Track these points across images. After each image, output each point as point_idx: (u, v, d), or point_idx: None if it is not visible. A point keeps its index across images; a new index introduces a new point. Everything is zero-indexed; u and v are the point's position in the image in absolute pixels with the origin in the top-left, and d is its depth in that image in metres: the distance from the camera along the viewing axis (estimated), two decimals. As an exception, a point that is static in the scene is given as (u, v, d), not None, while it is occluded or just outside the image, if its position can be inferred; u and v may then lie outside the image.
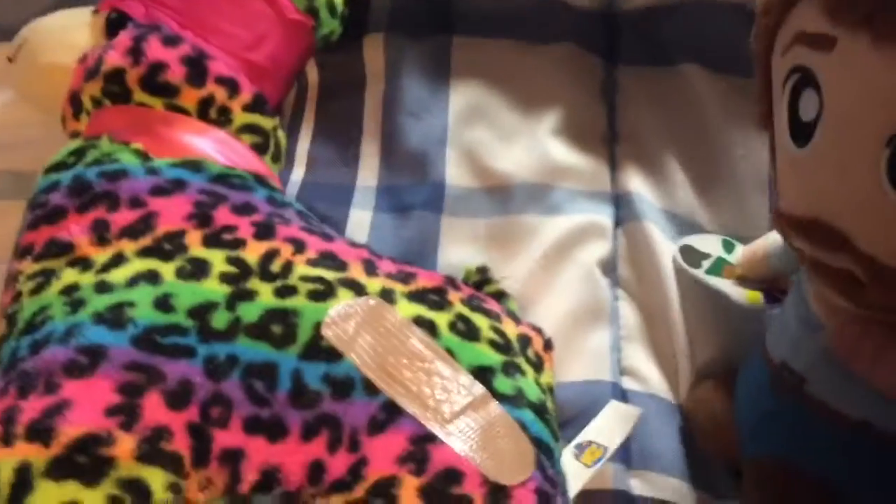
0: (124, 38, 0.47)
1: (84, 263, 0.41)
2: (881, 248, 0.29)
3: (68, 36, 0.51)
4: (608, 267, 0.51)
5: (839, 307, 0.34)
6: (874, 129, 0.27)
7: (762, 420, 0.39)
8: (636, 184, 0.53)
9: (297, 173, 0.54)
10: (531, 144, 0.53)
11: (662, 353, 0.49)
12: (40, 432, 0.34)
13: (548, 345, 0.45)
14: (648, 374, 0.48)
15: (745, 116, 0.53)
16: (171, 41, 0.47)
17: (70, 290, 0.39)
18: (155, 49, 0.47)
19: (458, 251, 0.51)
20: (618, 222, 0.53)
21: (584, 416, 0.45)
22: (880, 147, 0.27)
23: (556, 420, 0.42)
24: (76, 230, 0.42)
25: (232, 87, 0.48)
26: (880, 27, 0.26)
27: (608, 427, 0.43)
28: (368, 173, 0.54)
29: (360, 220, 0.52)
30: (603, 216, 0.52)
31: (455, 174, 0.53)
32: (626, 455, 0.45)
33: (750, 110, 0.52)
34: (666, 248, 0.50)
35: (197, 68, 0.47)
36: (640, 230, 0.51)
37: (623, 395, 0.47)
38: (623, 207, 0.53)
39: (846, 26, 0.27)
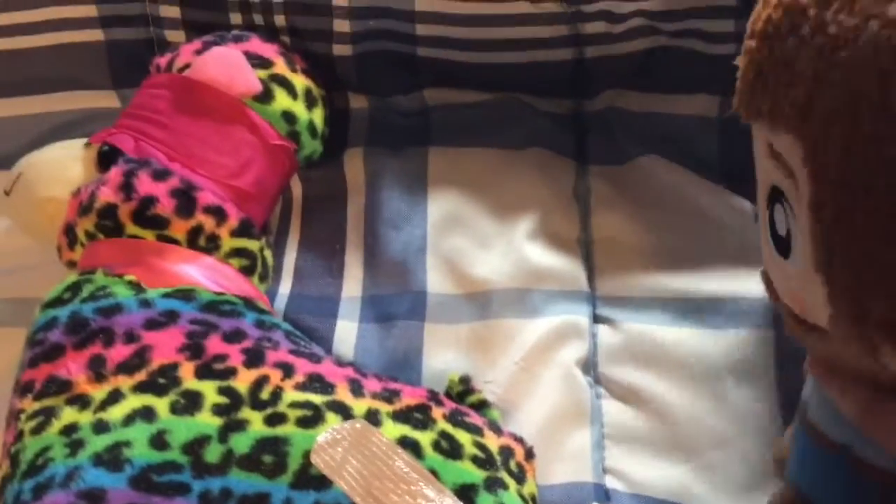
0: (116, 174, 0.50)
1: (82, 401, 0.43)
2: (785, 298, 0.33)
3: (62, 169, 0.53)
4: (588, 365, 0.53)
5: None
6: (762, 195, 0.32)
7: (793, 445, 0.41)
8: (614, 282, 0.55)
9: (285, 286, 0.56)
10: (508, 249, 0.55)
11: (649, 449, 0.50)
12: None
13: (529, 454, 0.47)
14: (632, 473, 0.49)
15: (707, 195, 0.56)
16: (160, 175, 0.50)
17: (69, 430, 0.41)
18: (145, 184, 0.49)
19: (441, 357, 0.53)
20: (597, 319, 0.54)
21: (568, 519, 0.47)
22: (766, 209, 0.32)
23: (539, 530, 0.43)
24: (74, 368, 0.44)
25: (219, 215, 0.50)
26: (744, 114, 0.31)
27: (590, 531, 0.45)
28: (353, 284, 0.56)
29: (347, 332, 0.54)
30: (580, 316, 0.54)
31: (436, 282, 0.55)
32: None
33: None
34: (658, 340, 0.52)
35: (185, 200, 0.49)
36: (622, 327, 0.53)
37: (606, 495, 0.48)
38: (601, 306, 0.55)
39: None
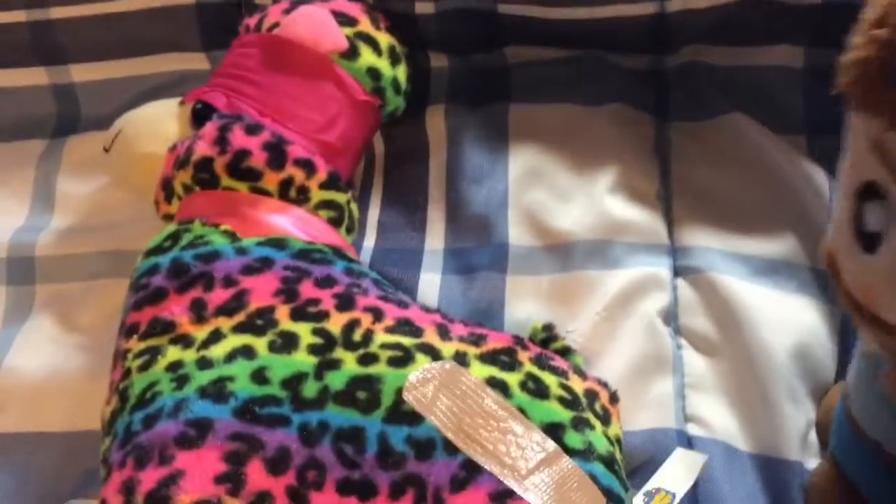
0: (211, 128, 0.52)
1: (186, 341, 0.45)
2: (853, 288, 0.32)
3: (159, 127, 0.55)
4: (669, 317, 0.53)
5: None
6: (850, 184, 0.31)
7: (836, 421, 0.42)
8: (695, 235, 0.55)
9: (370, 240, 0.58)
10: (588, 203, 0.56)
11: (729, 399, 0.50)
12: (158, 500, 0.38)
13: (613, 398, 0.47)
14: (714, 421, 0.50)
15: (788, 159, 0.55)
16: (252, 129, 0.52)
17: (175, 366, 0.44)
18: (239, 138, 0.51)
19: (523, 308, 0.54)
20: (677, 272, 0.55)
21: (652, 464, 0.47)
22: (853, 200, 0.31)
23: (624, 470, 0.44)
24: (177, 310, 0.46)
25: (308, 167, 0.52)
26: (857, 104, 0.29)
27: (675, 473, 0.46)
28: (435, 238, 0.57)
29: (430, 283, 0.55)
30: (661, 268, 0.54)
31: (517, 235, 0.56)
32: (695, 500, 0.47)
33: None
34: (735, 293, 0.52)
35: (277, 153, 0.51)
36: (703, 279, 0.54)
37: (689, 442, 0.49)
38: (681, 259, 0.55)
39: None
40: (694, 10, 0.58)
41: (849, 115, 0.32)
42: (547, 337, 0.50)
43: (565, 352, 0.50)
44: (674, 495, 0.44)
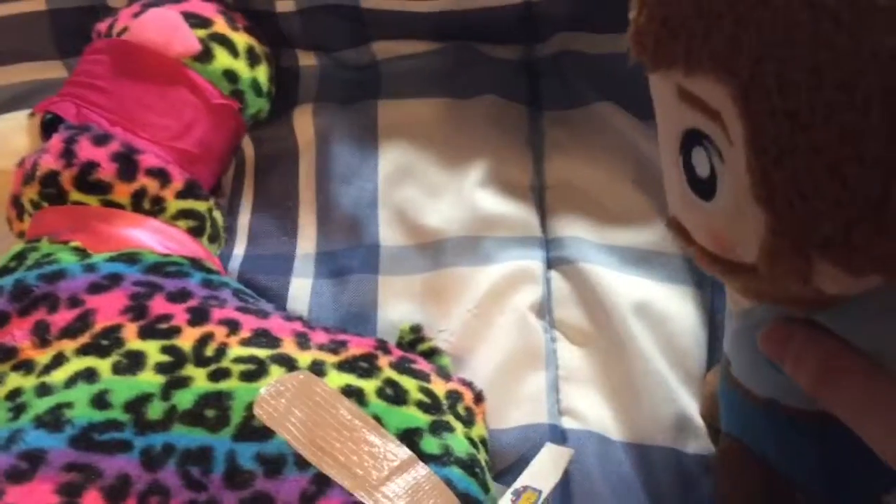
0: (56, 140, 0.50)
1: (27, 366, 0.43)
2: (703, 240, 0.32)
3: (8, 141, 0.53)
4: (543, 310, 0.53)
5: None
6: (672, 141, 0.31)
7: (720, 399, 0.42)
8: (568, 226, 0.55)
9: (240, 247, 0.56)
10: (458, 198, 0.55)
11: (604, 390, 0.50)
12: (-13, 539, 0.36)
13: (479, 398, 0.47)
14: (588, 412, 0.49)
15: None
16: (100, 140, 0.49)
17: (14, 395, 0.41)
18: (85, 149, 0.49)
19: (397, 309, 0.53)
20: (551, 264, 0.54)
21: (524, 461, 0.46)
22: (678, 155, 0.31)
23: (487, 472, 0.43)
24: (19, 335, 0.44)
25: (162, 177, 0.50)
26: (649, 64, 0.30)
27: (543, 470, 0.45)
28: (307, 241, 0.56)
29: (301, 289, 0.54)
30: (534, 261, 0.53)
31: (388, 234, 0.55)
32: (568, 493, 0.46)
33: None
34: (606, 283, 0.52)
35: (127, 164, 0.49)
36: (575, 270, 0.53)
37: (563, 436, 0.49)
38: (554, 250, 0.54)
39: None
40: (559, -2, 0.57)
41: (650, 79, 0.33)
42: (415, 338, 0.50)
43: (432, 353, 0.49)
44: (540, 493, 0.43)
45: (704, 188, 0.31)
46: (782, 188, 0.27)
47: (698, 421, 0.48)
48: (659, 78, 0.31)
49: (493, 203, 0.55)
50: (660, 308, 0.51)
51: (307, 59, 0.61)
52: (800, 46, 0.25)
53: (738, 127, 0.28)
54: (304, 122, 0.58)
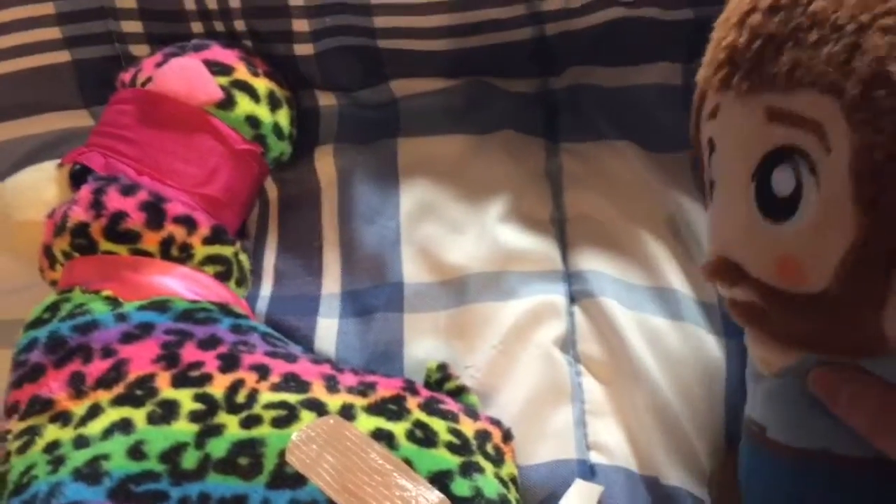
0: (85, 192, 0.51)
1: (64, 418, 0.44)
2: (766, 271, 0.33)
3: (38, 192, 0.54)
4: (567, 344, 0.53)
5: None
6: (743, 168, 0.33)
7: (747, 480, 0.41)
8: (588, 259, 0.55)
9: (266, 288, 0.57)
10: (481, 233, 0.56)
11: (626, 424, 0.51)
12: None
13: (507, 436, 0.47)
14: (614, 447, 0.50)
15: (683, 184, 0.55)
16: (128, 190, 0.50)
17: (52, 447, 0.42)
18: (114, 200, 0.50)
19: (422, 346, 0.53)
20: (573, 298, 0.55)
21: (554, 497, 0.47)
22: (749, 181, 0.33)
23: (520, 510, 0.44)
24: (55, 386, 0.45)
25: (189, 224, 0.51)
26: (739, 86, 0.33)
27: (573, 507, 0.46)
28: (332, 281, 0.56)
29: (328, 329, 0.54)
30: (556, 295, 0.54)
31: (411, 272, 0.55)
32: (599, 530, 0.47)
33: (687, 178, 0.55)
34: (625, 319, 0.52)
35: (154, 212, 0.50)
36: (597, 305, 0.53)
37: (591, 471, 0.49)
38: (577, 284, 0.55)
39: (722, 92, 0.34)
40: (572, 32, 0.58)
41: (715, 120, 0.35)
42: (442, 377, 0.50)
43: (459, 391, 0.49)
44: (571, 530, 0.44)
45: (782, 208, 0.32)
46: (890, 188, 0.29)
47: (705, 465, 0.49)
48: (742, 104, 0.33)
49: (515, 237, 0.56)
50: (673, 348, 0.51)
51: (326, 100, 0.62)
52: None
53: (842, 135, 0.30)
54: (325, 163, 0.59)
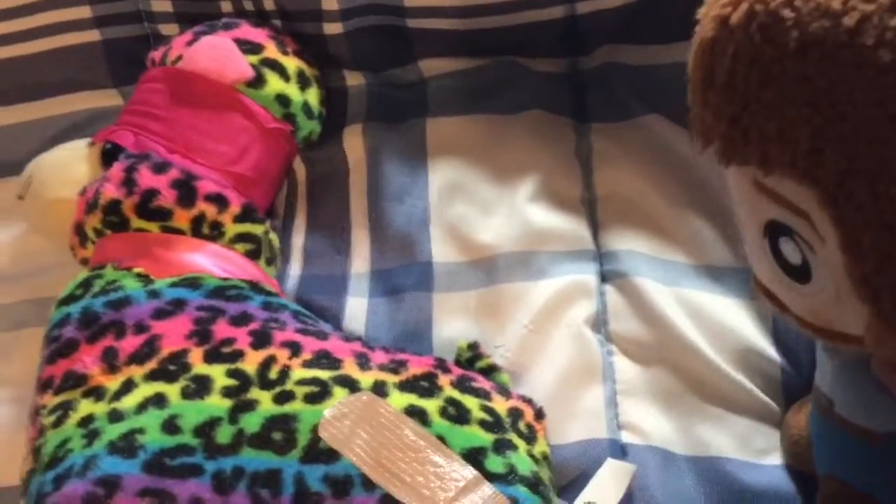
0: (117, 170, 0.51)
1: (98, 393, 0.44)
2: (802, 314, 0.32)
3: (69, 170, 0.54)
4: (598, 323, 0.53)
5: None
6: (754, 223, 0.31)
7: (816, 441, 0.41)
8: (621, 239, 0.55)
9: (295, 268, 0.57)
10: (510, 213, 0.55)
11: (665, 403, 0.50)
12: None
13: (539, 414, 0.47)
14: (647, 427, 0.49)
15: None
16: (159, 168, 0.51)
17: (86, 421, 0.43)
18: (146, 177, 0.50)
19: (452, 326, 0.53)
20: (604, 278, 0.54)
21: (585, 476, 0.47)
22: (762, 239, 0.31)
23: (554, 487, 0.44)
24: (89, 361, 0.45)
25: (220, 202, 0.51)
26: (728, 158, 0.29)
27: (605, 486, 0.45)
28: (360, 260, 0.56)
29: (357, 308, 0.54)
30: (587, 275, 0.53)
31: (441, 252, 0.55)
32: (631, 509, 0.47)
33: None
34: (659, 296, 0.52)
35: (186, 190, 0.50)
36: (630, 284, 0.53)
37: (623, 450, 0.49)
38: (609, 264, 0.54)
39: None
40: (604, 11, 0.57)
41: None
42: (473, 356, 0.50)
43: (491, 370, 0.49)
44: (604, 509, 0.44)
45: (798, 273, 0.30)
46: (887, 292, 0.27)
47: (765, 430, 0.48)
48: (735, 172, 0.30)
49: (545, 217, 0.55)
50: (718, 320, 0.50)
51: (354, 79, 0.62)
52: (889, 161, 0.25)
53: (828, 229, 0.27)
54: (354, 142, 0.59)
